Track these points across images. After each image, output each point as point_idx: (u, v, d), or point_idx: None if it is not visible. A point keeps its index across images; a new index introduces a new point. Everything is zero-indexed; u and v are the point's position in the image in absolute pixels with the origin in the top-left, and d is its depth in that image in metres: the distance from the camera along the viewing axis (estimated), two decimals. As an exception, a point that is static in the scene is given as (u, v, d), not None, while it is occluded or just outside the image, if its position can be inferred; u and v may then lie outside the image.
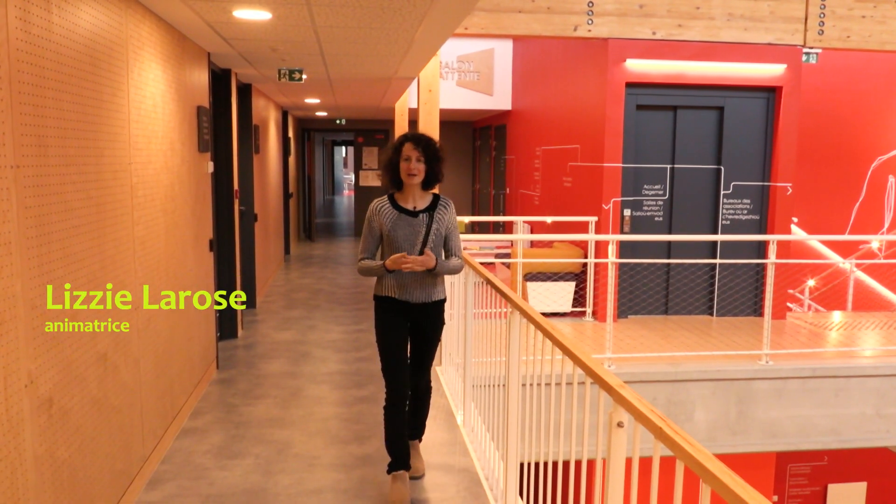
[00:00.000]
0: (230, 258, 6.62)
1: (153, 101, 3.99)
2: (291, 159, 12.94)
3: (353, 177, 18.68)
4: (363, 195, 16.11)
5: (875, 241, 9.05)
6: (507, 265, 8.40)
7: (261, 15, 4.04)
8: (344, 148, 33.26)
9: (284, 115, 11.81)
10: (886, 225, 9.31)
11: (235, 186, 6.69)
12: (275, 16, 4.06)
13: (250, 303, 8.01)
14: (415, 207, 3.56)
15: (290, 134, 12.87)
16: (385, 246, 3.59)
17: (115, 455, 3.31)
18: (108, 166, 3.23)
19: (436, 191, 3.74)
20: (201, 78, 5.25)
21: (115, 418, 3.32)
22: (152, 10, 3.93)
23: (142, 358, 3.73)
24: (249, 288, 7.95)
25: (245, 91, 7.54)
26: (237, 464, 4.05)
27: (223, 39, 4.88)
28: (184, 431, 4.51)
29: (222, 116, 6.44)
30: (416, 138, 3.53)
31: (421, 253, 3.52)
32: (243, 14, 4.02)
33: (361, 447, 4.29)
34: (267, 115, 9.46)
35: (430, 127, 6.25)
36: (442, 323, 3.76)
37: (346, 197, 32.20)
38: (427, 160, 3.51)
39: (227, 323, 6.73)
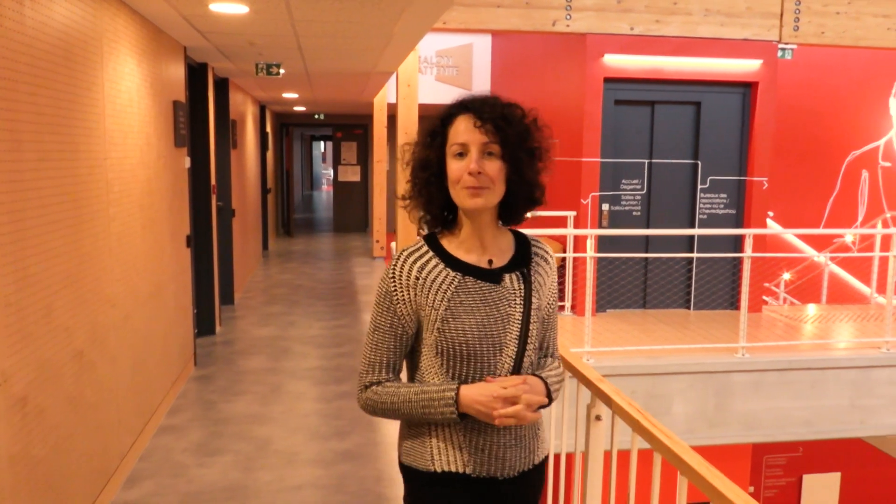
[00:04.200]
0: (208, 254, 6.57)
1: (129, 96, 3.94)
2: (269, 154, 12.86)
3: (331, 172, 18.59)
4: (342, 190, 16.05)
5: (849, 235, 9.18)
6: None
7: (238, 8, 4.00)
8: (322, 143, 33.10)
9: (262, 109, 11.73)
10: (860, 219, 9.45)
11: (213, 182, 6.63)
12: (252, 9, 4.03)
13: (228, 299, 7.97)
14: (491, 262, 1.71)
15: (268, 129, 12.79)
16: (430, 351, 1.67)
17: (92, 453, 3.28)
18: (83, 162, 3.19)
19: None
20: (177, 72, 5.20)
21: (92, 416, 3.29)
22: (127, 3, 3.88)
23: (119, 355, 3.70)
24: (227, 284, 7.90)
25: (222, 85, 7.48)
26: (216, 461, 4.03)
27: (199, 33, 4.83)
28: (162, 429, 4.48)
29: (199, 111, 6.38)
30: (479, 105, 1.67)
31: (519, 361, 1.67)
32: (220, 7, 3.99)
33: (342, 443, 4.29)
34: (244, 110, 9.39)
35: (409, 122, 6.24)
36: None
37: (324, 192, 32.07)
38: (506, 152, 1.65)
39: (204, 319, 6.68)
